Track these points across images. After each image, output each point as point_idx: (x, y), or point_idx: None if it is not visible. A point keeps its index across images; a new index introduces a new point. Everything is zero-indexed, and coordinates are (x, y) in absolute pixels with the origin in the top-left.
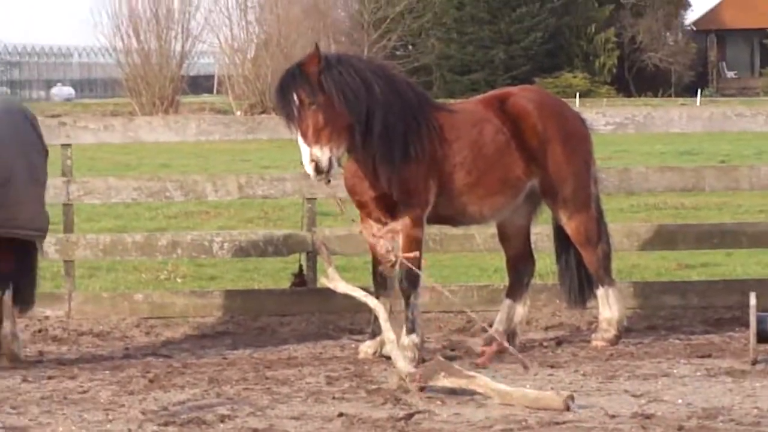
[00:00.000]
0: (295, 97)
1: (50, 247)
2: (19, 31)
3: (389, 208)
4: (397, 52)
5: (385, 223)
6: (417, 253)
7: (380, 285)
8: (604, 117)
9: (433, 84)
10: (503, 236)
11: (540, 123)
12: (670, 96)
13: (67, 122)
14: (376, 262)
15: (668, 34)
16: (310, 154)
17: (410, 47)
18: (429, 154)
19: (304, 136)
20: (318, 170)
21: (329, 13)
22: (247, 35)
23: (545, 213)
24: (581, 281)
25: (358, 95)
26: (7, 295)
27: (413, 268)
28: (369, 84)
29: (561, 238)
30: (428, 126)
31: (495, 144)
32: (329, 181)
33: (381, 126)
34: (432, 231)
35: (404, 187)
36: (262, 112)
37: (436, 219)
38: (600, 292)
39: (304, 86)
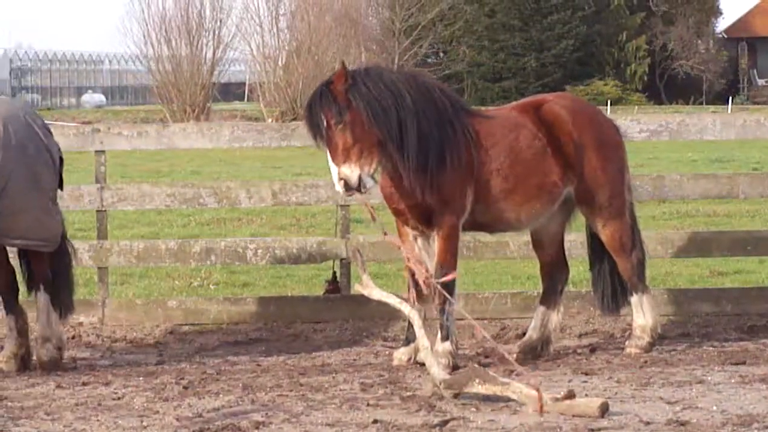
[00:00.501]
0: (323, 118)
1: (84, 253)
2: (49, 38)
3: (426, 216)
4: (429, 60)
5: (422, 231)
6: (453, 275)
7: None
8: (639, 124)
9: (464, 91)
10: (537, 243)
11: (575, 130)
12: (701, 104)
13: (101, 129)
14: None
15: (699, 41)
16: (339, 173)
17: (441, 55)
18: (465, 160)
19: (333, 155)
20: (347, 188)
21: (360, 20)
22: (279, 42)
23: (578, 220)
24: (615, 288)
25: (387, 109)
26: (41, 299)
27: (444, 293)
28: (400, 95)
29: (595, 245)
30: (464, 133)
31: (532, 150)
32: (362, 192)
33: (415, 136)
34: (466, 238)
35: (441, 194)
36: (294, 119)
37: (474, 226)
38: (634, 299)
39: (331, 106)
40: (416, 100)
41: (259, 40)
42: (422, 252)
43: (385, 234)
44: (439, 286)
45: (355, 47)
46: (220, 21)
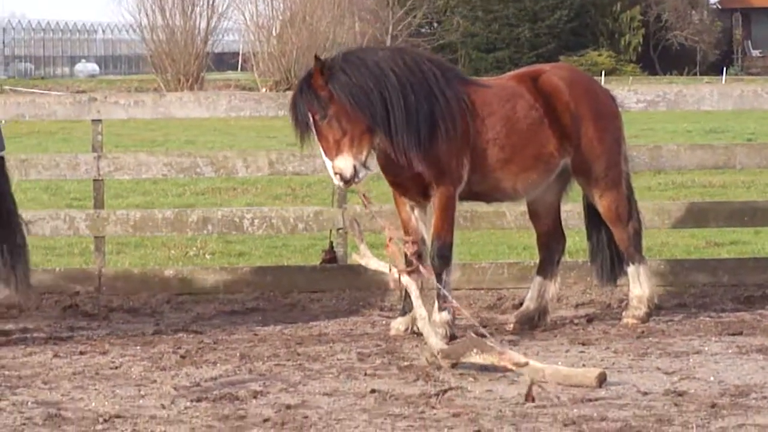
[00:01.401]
0: (308, 114)
1: (80, 223)
2: (43, 7)
3: (422, 187)
4: (422, 30)
5: (419, 202)
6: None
7: (410, 262)
8: (636, 94)
9: (458, 62)
10: (534, 213)
11: (572, 101)
12: (695, 74)
13: (98, 98)
14: (405, 240)
15: (693, 12)
16: (333, 166)
17: (435, 25)
18: (461, 130)
19: (325, 150)
20: (344, 180)
21: None
22: (273, 12)
23: (575, 190)
24: (612, 259)
25: (370, 93)
26: None
27: (439, 285)
28: (383, 75)
29: (592, 215)
30: (458, 102)
31: (528, 120)
32: (356, 182)
33: (403, 113)
34: (462, 208)
35: (437, 165)
36: (288, 89)
37: (470, 195)
38: (630, 269)
39: (312, 101)
40: (402, 76)
41: (253, 9)
42: (419, 222)
43: (373, 217)
44: (434, 280)
45: (349, 17)
46: None
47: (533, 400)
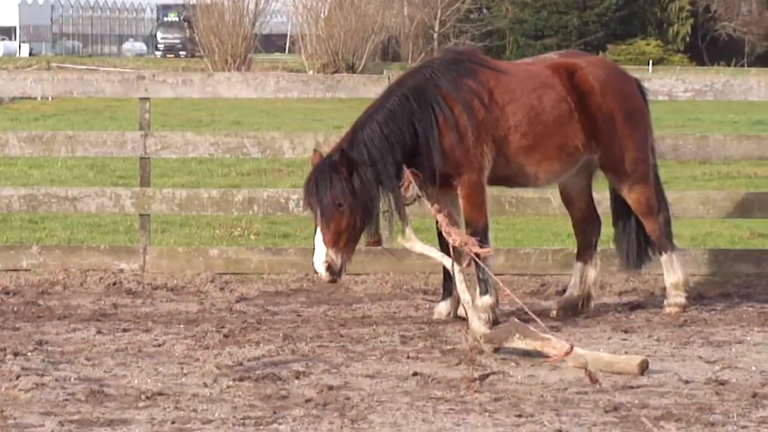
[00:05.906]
0: (328, 196)
1: (126, 200)
2: None
3: (445, 180)
4: (471, 15)
5: (447, 190)
6: (488, 250)
7: (447, 247)
8: (683, 83)
9: (506, 48)
10: (567, 199)
11: (605, 103)
12: (743, 66)
13: (146, 76)
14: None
15: (742, 3)
16: (326, 254)
17: (484, 11)
18: (477, 121)
19: (324, 236)
20: (331, 272)
21: None
22: None
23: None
24: (639, 245)
25: (374, 197)
26: None
27: (479, 262)
28: (393, 151)
29: (618, 202)
30: (469, 97)
31: (556, 111)
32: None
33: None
34: (508, 194)
35: (454, 160)
36: (335, 72)
37: (495, 180)
38: (663, 258)
39: (337, 186)
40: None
41: None
42: (451, 208)
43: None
44: (472, 254)
45: (397, 1)
46: None
47: (597, 381)
